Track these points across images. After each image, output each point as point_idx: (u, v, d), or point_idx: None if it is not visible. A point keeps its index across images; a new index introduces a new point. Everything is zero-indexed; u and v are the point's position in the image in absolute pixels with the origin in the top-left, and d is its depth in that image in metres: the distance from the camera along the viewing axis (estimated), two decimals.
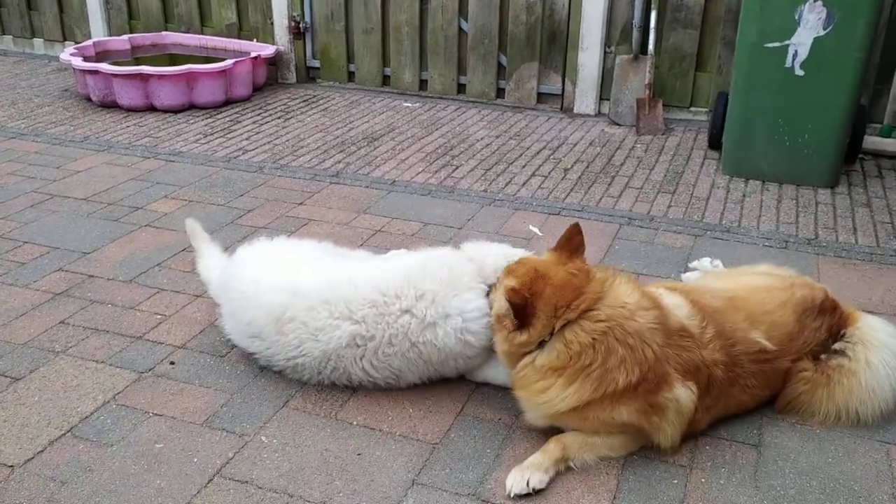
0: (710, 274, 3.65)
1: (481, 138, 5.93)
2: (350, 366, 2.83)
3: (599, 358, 2.47)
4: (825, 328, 2.86)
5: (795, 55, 4.75)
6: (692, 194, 4.88)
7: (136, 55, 7.38)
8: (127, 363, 3.09)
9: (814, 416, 2.79)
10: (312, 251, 3.24)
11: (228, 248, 3.83)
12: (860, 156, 5.41)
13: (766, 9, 4.74)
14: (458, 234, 4.26)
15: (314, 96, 6.99)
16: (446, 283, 2.80)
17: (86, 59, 6.82)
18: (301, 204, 4.67)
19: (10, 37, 8.62)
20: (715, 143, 5.56)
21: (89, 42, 7.25)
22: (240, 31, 7.55)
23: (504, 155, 5.57)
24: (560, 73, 6.59)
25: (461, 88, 6.96)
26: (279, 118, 6.36)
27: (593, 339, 2.48)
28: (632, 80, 6.21)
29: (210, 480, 2.49)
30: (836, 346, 2.86)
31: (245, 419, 2.78)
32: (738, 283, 3.03)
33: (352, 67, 7.25)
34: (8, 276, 3.75)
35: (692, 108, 6.33)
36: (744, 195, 4.87)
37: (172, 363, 3.09)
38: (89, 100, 6.66)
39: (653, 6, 5.97)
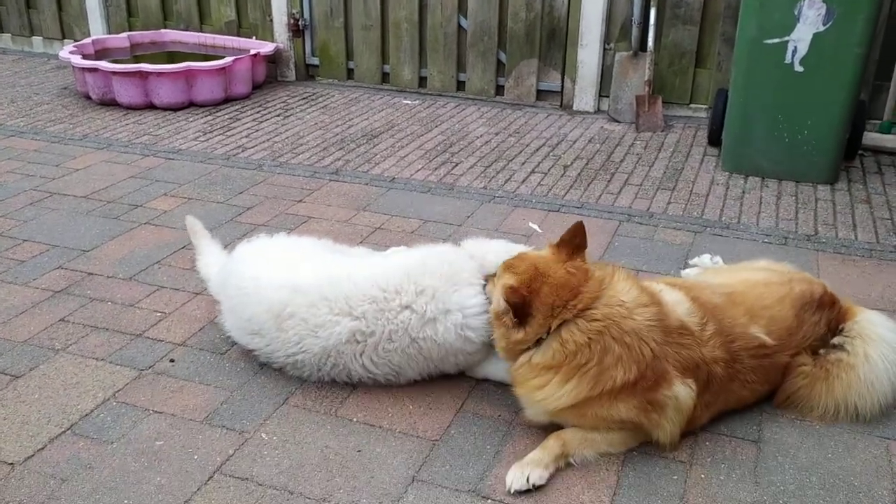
0: (709, 270, 3.65)
1: (481, 135, 5.93)
2: (350, 362, 2.83)
3: (595, 357, 2.47)
4: (824, 323, 2.87)
5: (795, 51, 4.75)
6: (692, 191, 4.88)
7: (136, 53, 7.38)
8: (127, 361, 3.09)
9: (813, 410, 2.79)
10: (312, 248, 3.24)
11: (228, 245, 3.83)
12: (860, 152, 5.40)
13: (765, 5, 4.73)
14: (458, 231, 4.25)
15: (313, 94, 6.99)
16: (446, 279, 2.80)
17: (85, 57, 6.81)
18: (300, 201, 4.67)
19: (9, 35, 8.61)
20: (714, 139, 5.56)
21: (88, 40, 7.25)
22: (239, 28, 7.55)
23: (503, 152, 5.57)
24: (559, 70, 6.59)
25: (460, 85, 6.96)
26: (278, 116, 6.35)
27: (589, 338, 2.48)
28: (631, 77, 6.20)
29: (210, 477, 2.50)
30: (835, 340, 2.86)
31: (245, 416, 2.78)
32: (737, 278, 3.03)
33: (351, 65, 7.25)
34: (7, 273, 3.75)
35: (692, 105, 6.33)
36: (743, 192, 4.87)
37: (172, 360, 3.10)
38: (88, 98, 6.66)
39: (652, 3, 5.96)
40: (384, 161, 5.35)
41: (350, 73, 7.29)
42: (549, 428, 2.64)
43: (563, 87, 6.60)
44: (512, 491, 2.43)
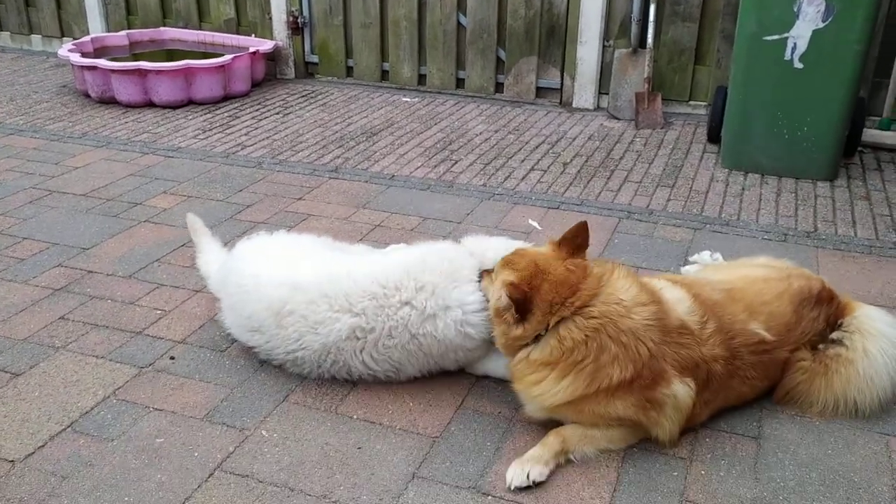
0: (708, 266, 3.65)
1: (480, 133, 5.93)
2: (350, 359, 2.84)
3: (592, 354, 2.48)
4: (822, 318, 2.87)
5: (794, 48, 4.75)
6: (691, 188, 4.88)
7: (135, 51, 7.37)
8: (127, 358, 3.09)
9: (812, 406, 2.79)
10: (312, 246, 3.24)
11: (228, 243, 3.83)
12: (859, 149, 5.41)
13: (765, 2, 4.73)
14: (458, 229, 4.25)
15: (313, 91, 6.98)
16: (446, 276, 2.80)
17: (84, 55, 6.81)
18: (300, 199, 4.67)
19: (8, 33, 8.60)
20: (714, 136, 5.56)
21: (87, 38, 7.24)
22: (238, 26, 7.54)
23: (503, 149, 5.57)
24: (559, 68, 6.58)
25: (460, 83, 6.95)
26: (278, 113, 6.35)
27: (586, 335, 2.48)
28: (631, 74, 6.20)
29: (211, 475, 2.50)
30: (834, 335, 2.86)
31: (245, 413, 2.79)
32: (736, 274, 3.03)
33: (350, 62, 7.24)
34: (7, 272, 3.75)
35: (691, 102, 6.33)
36: (743, 188, 4.88)
37: (172, 358, 3.10)
38: (87, 96, 6.65)
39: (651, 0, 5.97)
40: (384, 159, 5.35)
41: (349, 71, 7.29)
42: (549, 424, 2.65)
43: (562, 84, 6.60)
44: (512, 487, 2.44)
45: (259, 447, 2.62)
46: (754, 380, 2.74)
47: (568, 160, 5.36)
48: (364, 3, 6.93)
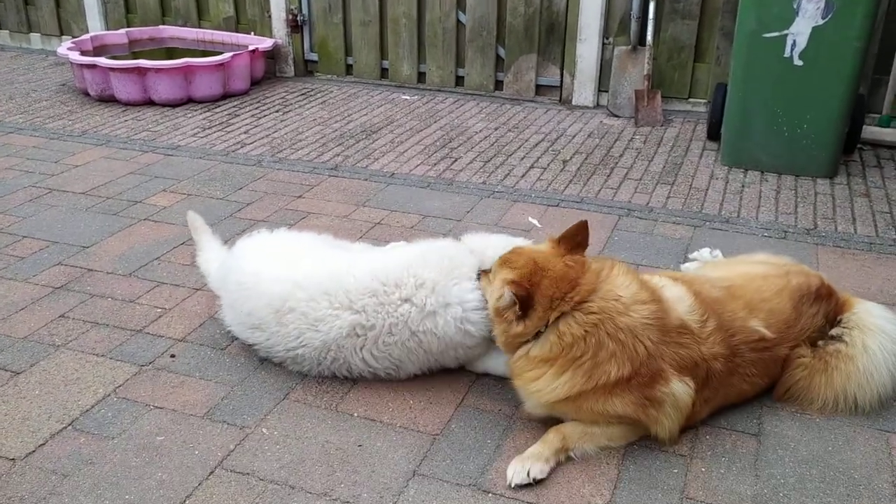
0: (708, 264, 3.65)
1: (480, 130, 5.93)
2: (350, 356, 2.84)
3: (590, 350, 2.48)
4: (822, 314, 2.87)
5: (794, 45, 4.75)
6: (691, 185, 4.88)
7: (134, 49, 7.37)
8: (127, 356, 3.09)
9: (812, 402, 2.80)
10: (312, 243, 3.24)
11: (228, 241, 3.83)
12: (859, 146, 5.41)
13: None
14: (458, 227, 4.25)
15: (312, 89, 6.98)
16: (446, 273, 2.81)
17: (83, 53, 6.81)
18: (300, 197, 4.67)
19: (7, 32, 8.59)
20: (714, 134, 5.56)
21: (87, 36, 7.24)
22: (237, 24, 7.54)
23: (503, 147, 5.57)
24: (558, 65, 6.58)
25: (459, 81, 6.95)
26: (277, 111, 6.35)
27: (585, 330, 2.48)
28: (630, 72, 6.20)
29: (211, 472, 2.50)
30: (833, 331, 2.87)
31: (246, 411, 2.79)
32: (735, 271, 3.04)
33: (350, 60, 7.24)
34: (7, 270, 3.75)
35: (691, 100, 6.33)
36: (743, 186, 4.88)
37: (173, 356, 3.10)
38: (87, 94, 6.65)
39: None
40: (383, 156, 5.35)
41: (349, 69, 7.29)
42: (549, 422, 2.65)
43: (562, 81, 6.60)
44: (513, 485, 2.44)
45: (259, 445, 2.62)
46: (754, 377, 2.74)
47: (568, 158, 5.36)
48: (363, 0, 6.92)
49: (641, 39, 6.12)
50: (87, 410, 2.78)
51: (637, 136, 5.80)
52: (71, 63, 6.64)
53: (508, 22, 6.58)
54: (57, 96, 6.71)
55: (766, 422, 2.76)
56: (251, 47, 6.87)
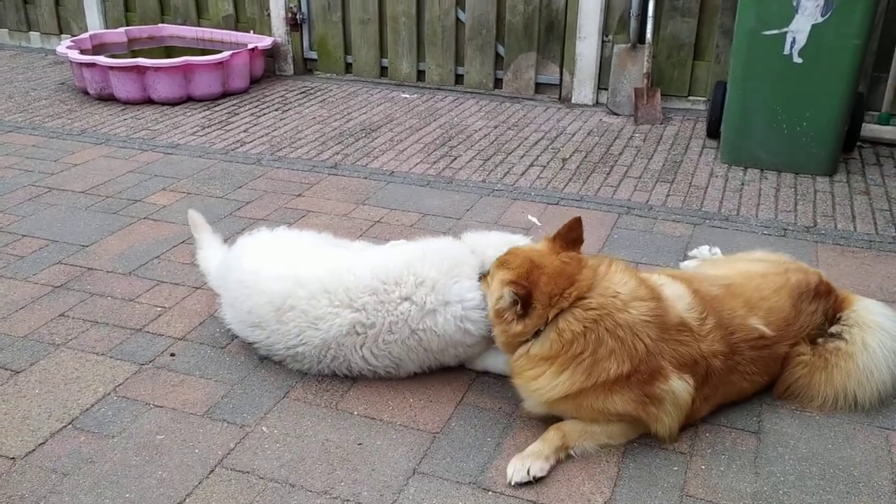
0: (707, 261, 3.65)
1: (479, 129, 5.92)
2: (350, 354, 2.84)
3: (590, 347, 2.48)
4: (821, 312, 2.87)
5: (793, 43, 4.74)
6: (691, 183, 4.88)
7: (133, 48, 7.36)
8: (127, 355, 3.09)
9: (812, 400, 2.80)
10: (312, 242, 3.25)
11: (227, 239, 3.82)
12: (858, 144, 5.41)
13: None
14: (457, 225, 4.26)
15: (312, 88, 6.98)
16: (446, 271, 2.81)
17: (82, 52, 6.80)
18: (299, 195, 4.67)
19: (6, 30, 8.59)
20: (713, 131, 5.56)
21: (86, 35, 7.24)
22: (237, 22, 7.53)
23: (502, 145, 5.56)
24: (558, 63, 6.58)
25: (459, 79, 6.95)
26: (277, 110, 6.34)
27: (585, 327, 2.48)
28: (630, 70, 6.20)
29: (211, 471, 2.50)
30: (833, 329, 2.87)
31: (246, 410, 2.79)
32: (734, 269, 3.04)
33: (349, 59, 7.24)
34: (7, 269, 3.75)
35: (690, 97, 6.33)
36: (742, 184, 4.88)
37: (173, 355, 3.10)
38: (86, 93, 6.65)
39: None
40: (383, 155, 5.35)
41: (348, 67, 7.28)
42: (549, 420, 2.65)
43: (561, 79, 6.59)
44: (513, 483, 2.44)
45: (260, 443, 2.62)
46: (754, 375, 2.74)
47: (567, 156, 5.36)
48: None
49: (641, 37, 6.12)
50: (87, 409, 2.78)
51: (636, 134, 5.80)
52: (70, 62, 6.64)
53: (508, 20, 6.58)
54: (56, 95, 6.71)
55: (765, 419, 2.77)
56: (250, 46, 6.87)
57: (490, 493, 2.43)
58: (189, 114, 6.21)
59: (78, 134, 5.71)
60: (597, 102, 6.54)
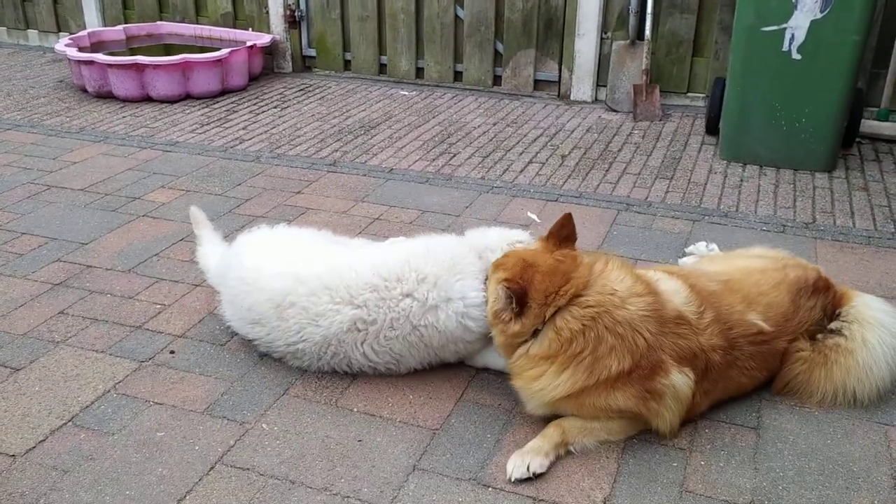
0: (705, 258, 3.65)
1: (478, 126, 5.92)
2: (351, 351, 2.84)
3: (590, 345, 2.48)
4: (819, 307, 2.87)
5: (792, 39, 4.74)
6: (690, 180, 4.88)
7: (132, 45, 7.35)
8: (127, 353, 3.09)
9: (811, 396, 2.80)
10: (312, 239, 3.25)
11: (227, 236, 3.83)
12: (857, 140, 5.41)
13: None
14: (457, 222, 4.26)
15: (310, 85, 6.97)
16: (448, 268, 2.81)
17: (81, 49, 6.79)
18: (299, 193, 4.67)
19: (5, 28, 8.58)
20: (712, 128, 5.56)
21: (84, 33, 7.22)
22: (235, 20, 7.52)
23: (501, 142, 5.56)
24: (557, 60, 6.57)
25: (458, 76, 6.94)
26: (276, 107, 6.34)
27: (583, 325, 2.48)
28: (629, 67, 6.19)
29: (212, 468, 2.50)
30: (833, 325, 2.87)
31: (246, 407, 2.79)
32: (733, 265, 3.04)
33: (348, 56, 7.23)
34: (6, 267, 3.75)
35: (689, 94, 6.33)
36: (741, 180, 4.88)
37: (172, 352, 3.10)
38: (85, 91, 6.64)
39: None
40: (382, 152, 5.34)
41: (347, 65, 7.28)
42: (549, 417, 2.65)
43: (560, 76, 6.59)
44: (512, 479, 2.44)
45: (260, 440, 2.63)
46: (753, 370, 2.74)
47: (566, 153, 5.36)
48: None
49: (640, 34, 6.12)
50: (87, 406, 2.78)
51: (635, 131, 5.80)
52: (68, 59, 6.63)
53: (506, 17, 6.57)
54: (55, 93, 6.70)
55: (765, 415, 2.77)
56: (249, 43, 6.87)
57: (490, 489, 2.43)
58: (188, 111, 6.20)
59: (76, 132, 5.71)
60: (596, 99, 6.54)
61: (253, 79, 7.03)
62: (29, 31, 8.46)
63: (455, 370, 2.98)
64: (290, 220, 4.27)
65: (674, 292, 2.68)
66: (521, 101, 6.54)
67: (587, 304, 2.51)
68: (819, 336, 2.84)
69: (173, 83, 6.36)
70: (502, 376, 2.88)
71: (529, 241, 3.00)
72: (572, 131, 5.80)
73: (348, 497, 2.39)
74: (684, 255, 3.86)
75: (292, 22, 7.20)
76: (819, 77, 4.76)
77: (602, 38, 6.35)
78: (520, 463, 2.46)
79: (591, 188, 4.75)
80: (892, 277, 3.70)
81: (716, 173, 4.98)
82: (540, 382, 2.55)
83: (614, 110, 6.28)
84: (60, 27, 8.25)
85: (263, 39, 7.05)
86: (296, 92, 6.76)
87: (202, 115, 6.13)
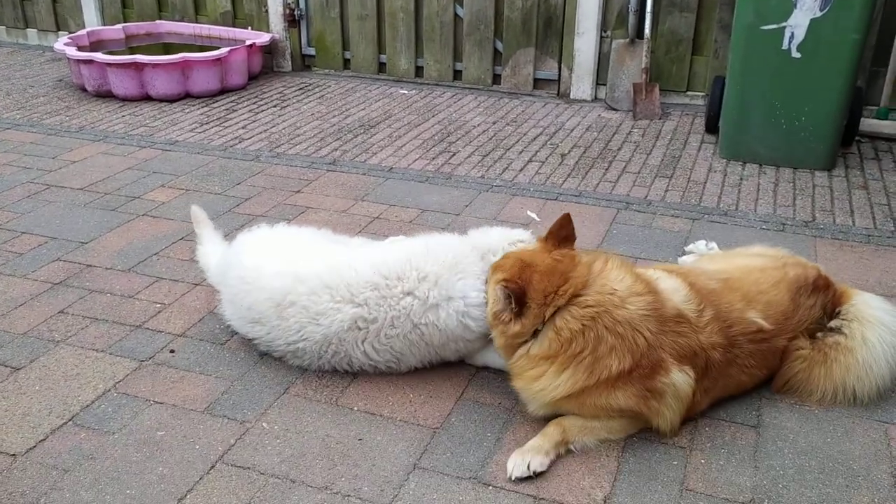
0: (704, 256, 3.65)
1: (478, 125, 5.92)
2: (351, 349, 2.84)
3: (590, 345, 2.48)
4: (819, 306, 2.88)
5: (792, 37, 4.74)
6: (689, 178, 4.88)
7: (131, 44, 7.35)
8: (127, 352, 3.09)
9: (811, 394, 2.80)
10: (312, 237, 3.25)
11: (227, 236, 3.82)
12: (857, 138, 5.41)
13: None
14: (456, 221, 4.26)
15: (310, 84, 6.97)
16: (449, 267, 2.81)
17: (80, 48, 6.79)
18: (298, 192, 4.67)
19: (4, 27, 8.57)
20: (712, 127, 5.56)
21: (83, 32, 7.22)
22: (234, 19, 7.52)
23: (501, 141, 5.56)
24: (556, 59, 6.57)
25: (457, 75, 6.94)
26: (275, 106, 6.34)
27: (583, 324, 2.49)
28: (628, 65, 6.19)
29: (212, 467, 2.50)
30: (832, 323, 2.87)
31: (246, 406, 2.79)
32: (732, 264, 3.04)
33: (347, 55, 7.23)
34: (6, 266, 3.75)
35: (689, 93, 6.33)
36: (741, 178, 4.88)
37: (172, 351, 3.10)
38: (84, 90, 6.64)
39: None
40: (381, 151, 5.34)
41: (346, 64, 7.28)
42: (550, 416, 2.65)
43: (559, 75, 6.59)
44: (513, 478, 2.44)
45: (260, 439, 2.63)
46: (753, 368, 2.74)
47: (566, 151, 5.36)
48: None
49: (639, 32, 6.12)
50: (88, 406, 2.78)
51: (635, 130, 5.80)
52: (68, 58, 6.63)
53: (506, 16, 6.57)
54: (54, 92, 6.70)
55: (765, 413, 2.77)
56: (248, 42, 6.86)
57: (490, 487, 2.43)
58: (187, 110, 6.20)
59: (76, 131, 5.71)
60: (595, 98, 6.54)
61: (252, 78, 7.03)
62: (28, 30, 8.46)
63: (455, 369, 2.98)
64: (290, 219, 4.27)
65: (673, 291, 2.68)
66: (521, 100, 6.54)
67: (587, 304, 2.51)
68: (819, 334, 2.85)
69: (173, 82, 6.36)
70: (502, 375, 2.88)
71: (531, 240, 3.00)
72: (572, 130, 5.80)
73: (349, 496, 2.39)
74: (684, 253, 3.87)
75: (292, 21, 7.19)
76: (819, 75, 4.76)
77: (602, 37, 6.35)
78: (520, 461, 2.46)
79: (591, 187, 4.75)
80: (891, 276, 3.70)
81: (715, 172, 4.98)
82: (540, 383, 2.55)
83: (614, 109, 6.28)
84: (60, 26, 8.25)
85: (263, 38, 7.05)
86: (295, 91, 6.76)
87: (202, 114, 6.12)
